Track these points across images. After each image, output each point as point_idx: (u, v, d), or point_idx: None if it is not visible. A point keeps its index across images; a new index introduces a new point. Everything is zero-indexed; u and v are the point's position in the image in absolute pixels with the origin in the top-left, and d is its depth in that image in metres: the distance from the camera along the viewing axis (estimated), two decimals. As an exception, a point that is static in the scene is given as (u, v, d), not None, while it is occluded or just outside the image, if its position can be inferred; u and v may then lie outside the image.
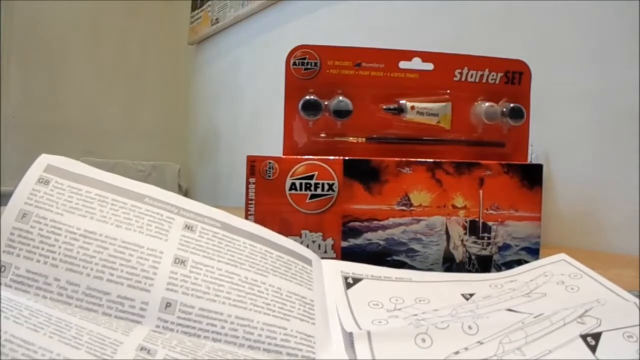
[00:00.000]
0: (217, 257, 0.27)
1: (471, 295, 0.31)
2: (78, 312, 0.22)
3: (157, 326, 0.23)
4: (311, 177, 0.39)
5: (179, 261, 0.26)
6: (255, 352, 0.24)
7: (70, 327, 0.21)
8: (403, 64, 0.44)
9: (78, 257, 0.24)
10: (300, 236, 0.39)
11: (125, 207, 0.27)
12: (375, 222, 0.39)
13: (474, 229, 0.40)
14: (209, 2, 1.52)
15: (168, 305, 0.24)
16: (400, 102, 0.44)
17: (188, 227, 0.28)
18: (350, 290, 0.31)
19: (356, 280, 0.32)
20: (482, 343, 0.24)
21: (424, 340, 0.24)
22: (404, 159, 0.40)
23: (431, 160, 0.40)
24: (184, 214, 0.29)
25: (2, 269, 0.23)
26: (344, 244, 0.39)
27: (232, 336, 0.24)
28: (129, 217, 0.27)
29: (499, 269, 0.40)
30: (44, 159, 0.28)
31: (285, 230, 0.38)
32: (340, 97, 0.43)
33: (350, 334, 0.25)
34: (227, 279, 0.26)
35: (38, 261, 0.24)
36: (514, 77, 0.45)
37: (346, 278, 0.32)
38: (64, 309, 0.22)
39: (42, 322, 0.20)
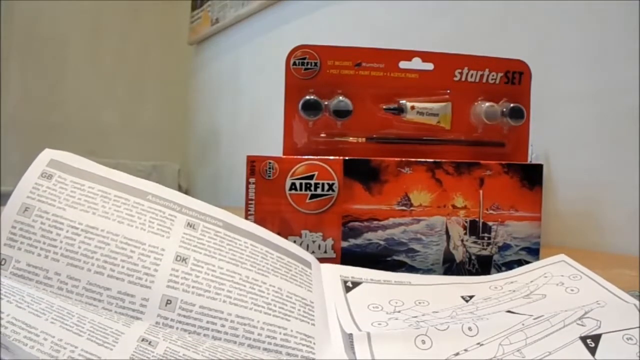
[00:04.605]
0: (219, 255, 0.27)
1: (471, 297, 0.31)
2: (79, 304, 0.22)
3: (157, 323, 0.23)
4: (311, 177, 0.39)
5: (180, 259, 0.26)
6: (255, 351, 0.24)
7: (72, 315, 0.21)
8: (403, 64, 0.44)
9: (79, 252, 0.24)
10: (300, 236, 0.39)
11: (128, 204, 0.27)
12: (375, 222, 0.39)
13: (474, 229, 0.40)
14: (209, 2, 1.52)
15: (168, 302, 0.24)
16: (400, 102, 0.44)
17: (190, 225, 0.28)
18: (349, 294, 0.31)
19: (355, 284, 0.32)
20: (482, 344, 0.24)
21: (423, 342, 0.24)
22: (404, 159, 0.40)
23: (431, 160, 0.40)
24: (186, 212, 0.29)
25: (3, 262, 0.23)
26: (344, 244, 0.39)
27: (232, 335, 0.24)
28: (131, 214, 0.27)
29: (499, 269, 0.40)
30: (48, 154, 0.28)
31: (285, 230, 0.38)
32: (340, 97, 0.43)
33: (350, 335, 0.25)
34: (228, 277, 0.26)
35: (39, 255, 0.24)
36: (514, 77, 0.45)
37: (345, 282, 0.32)
38: (65, 301, 0.22)
39: (44, 309, 0.20)
